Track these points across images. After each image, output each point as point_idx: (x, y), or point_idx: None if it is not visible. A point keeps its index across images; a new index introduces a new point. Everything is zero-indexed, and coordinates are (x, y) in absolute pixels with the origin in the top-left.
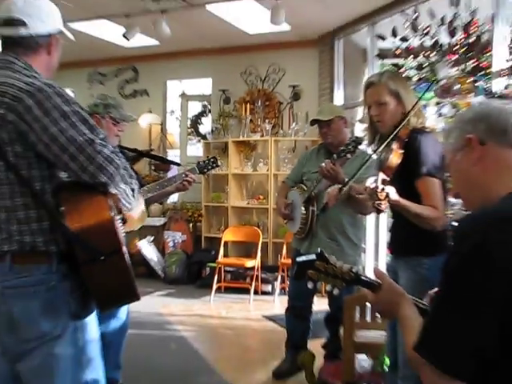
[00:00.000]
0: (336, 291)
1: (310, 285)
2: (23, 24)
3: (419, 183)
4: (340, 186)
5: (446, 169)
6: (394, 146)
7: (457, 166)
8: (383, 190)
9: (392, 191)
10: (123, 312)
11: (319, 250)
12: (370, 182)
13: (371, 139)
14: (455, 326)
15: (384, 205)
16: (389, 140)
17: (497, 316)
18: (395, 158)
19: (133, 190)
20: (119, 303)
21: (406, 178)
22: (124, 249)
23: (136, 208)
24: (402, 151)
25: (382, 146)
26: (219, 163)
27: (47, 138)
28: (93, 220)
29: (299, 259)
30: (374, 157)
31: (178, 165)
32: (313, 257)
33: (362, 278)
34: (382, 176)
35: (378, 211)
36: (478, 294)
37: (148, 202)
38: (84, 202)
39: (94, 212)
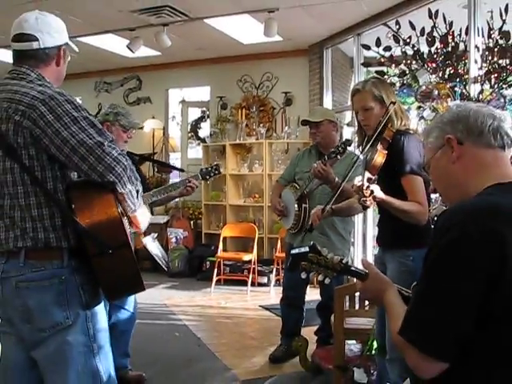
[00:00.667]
0: (327, 280)
1: (303, 275)
2: (35, 39)
3: (404, 181)
4: (322, 207)
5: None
6: (379, 146)
7: (436, 164)
8: (368, 187)
9: (377, 189)
10: (132, 305)
11: (312, 242)
12: (357, 181)
13: (360, 141)
14: (437, 311)
15: (369, 201)
16: (372, 140)
17: (475, 302)
18: (380, 157)
19: (137, 192)
20: (126, 293)
21: (392, 176)
22: (130, 243)
23: (140, 209)
24: (386, 151)
25: (368, 146)
26: (221, 170)
27: (59, 141)
28: (102, 216)
29: (293, 251)
30: (361, 157)
31: (181, 171)
32: (306, 249)
33: (351, 268)
34: (367, 175)
35: (364, 207)
36: (458, 282)
37: (153, 205)
38: (94, 199)
39: (103, 209)
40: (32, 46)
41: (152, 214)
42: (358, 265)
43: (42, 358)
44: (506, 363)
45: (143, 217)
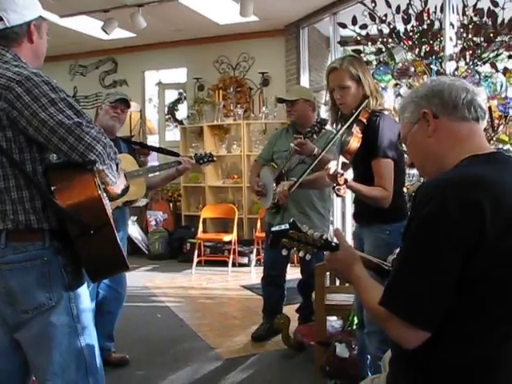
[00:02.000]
0: (308, 257)
1: (284, 252)
2: (0, 19)
3: (374, 163)
4: (290, 184)
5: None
6: (355, 129)
7: (413, 138)
8: (342, 175)
9: (349, 177)
10: (122, 286)
11: (292, 219)
12: (332, 165)
13: (334, 119)
14: (419, 281)
15: (343, 189)
16: (349, 123)
17: (456, 271)
18: (355, 142)
19: (117, 165)
20: (110, 273)
21: (365, 158)
22: (112, 222)
23: (119, 181)
24: (361, 135)
25: (345, 127)
26: (215, 159)
27: (37, 123)
28: (82, 197)
29: (274, 229)
30: (338, 136)
31: (177, 155)
32: (286, 226)
33: (332, 243)
34: (341, 159)
35: (338, 195)
36: (438, 252)
37: (152, 186)
38: (73, 180)
39: (83, 189)
40: None
41: (146, 196)
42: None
43: (25, 339)
44: (486, 329)
45: (120, 186)
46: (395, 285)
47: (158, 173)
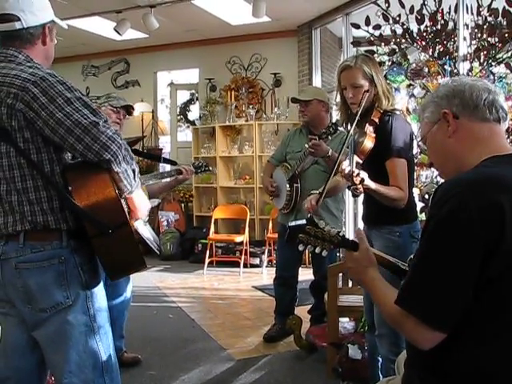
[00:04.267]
0: (325, 253)
1: (300, 247)
2: (17, 19)
3: (388, 164)
4: (317, 198)
5: (416, 147)
6: (368, 129)
7: (433, 138)
8: (358, 174)
9: (366, 176)
10: (126, 289)
11: (309, 215)
12: (345, 166)
13: (344, 119)
14: (437, 281)
15: (359, 190)
16: (358, 120)
17: (474, 272)
18: (369, 142)
19: (134, 171)
20: (128, 272)
21: (377, 158)
22: (130, 222)
23: (137, 190)
24: (375, 135)
25: (354, 126)
26: (211, 169)
27: (54, 123)
28: (99, 196)
29: (291, 224)
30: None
31: (174, 163)
32: (303, 221)
33: (349, 241)
34: (356, 159)
35: (354, 195)
36: (457, 252)
37: (152, 194)
38: (90, 180)
39: (100, 189)
40: (15, 26)
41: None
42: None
43: (43, 338)
44: (502, 332)
45: (141, 199)
46: (412, 284)
47: (156, 181)
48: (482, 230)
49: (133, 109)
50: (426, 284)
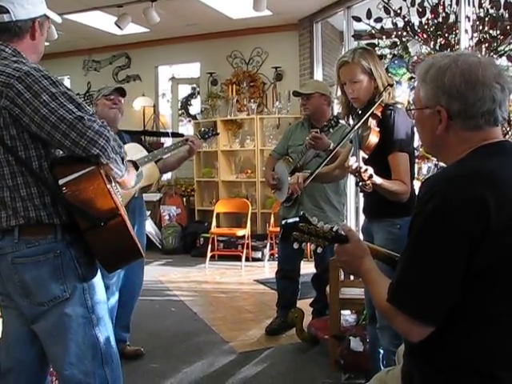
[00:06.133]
0: (319, 250)
1: (295, 245)
2: (6, 11)
3: (391, 158)
4: (305, 177)
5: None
6: (372, 124)
7: (421, 120)
8: (366, 170)
9: (372, 171)
10: (138, 276)
11: (302, 212)
12: (352, 162)
13: (345, 113)
14: (424, 276)
15: (369, 185)
16: (363, 115)
17: (461, 266)
18: (374, 136)
19: (122, 158)
20: (124, 263)
21: (379, 152)
22: (122, 212)
23: (128, 174)
24: (379, 129)
25: (361, 122)
26: (218, 131)
27: (39, 119)
28: (89, 189)
29: (284, 222)
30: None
31: (182, 135)
32: (296, 219)
33: (342, 235)
34: (362, 154)
35: (364, 191)
36: (443, 248)
37: (166, 169)
38: (79, 173)
39: (89, 182)
40: (3, 18)
41: (159, 190)
42: None
43: (42, 331)
44: (492, 322)
45: (129, 176)
46: (400, 281)
47: (168, 154)
48: (465, 224)
49: (123, 90)
50: (412, 281)
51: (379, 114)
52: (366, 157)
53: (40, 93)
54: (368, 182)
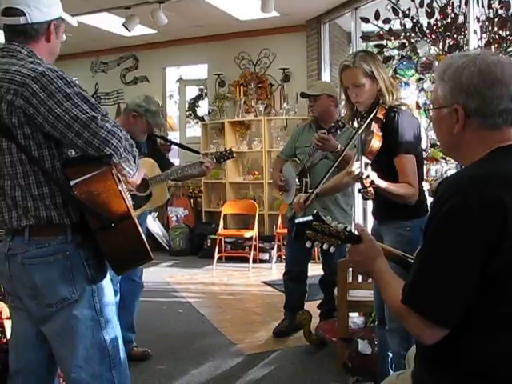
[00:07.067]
0: (332, 249)
1: (308, 244)
2: (22, 14)
3: (397, 161)
4: (306, 197)
5: (425, 141)
6: (374, 128)
7: (439, 120)
8: (368, 177)
9: (375, 176)
10: (139, 274)
11: (315, 211)
12: (355, 168)
13: (349, 116)
14: (440, 278)
15: (370, 192)
16: (366, 119)
17: (477, 268)
18: (376, 141)
19: (134, 157)
20: (134, 265)
21: (385, 155)
22: (133, 214)
23: (138, 173)
24: (382, 133)
25: (363, 128)
26: (234, 155)
27: (53, 119)
28: (100, 190)
29: (297, 220)
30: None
31: (197, 153)
32: (310, 218)
33: (355, 235)
34: (364, 160)
35: (365, 199)
36: (459, 249)
37: (173, 179)
38: (91, 174)
39: (101, 182)
40: (19, 20)
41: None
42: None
43: (50, 332)
44: (507, 326)
45: (139, 176)
46: (415, 282)
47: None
48: (483, 226)
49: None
50: (428, 282)
51: (382, 117)
52: (369, 162)
53: (55, 93)
54: (370, 188)
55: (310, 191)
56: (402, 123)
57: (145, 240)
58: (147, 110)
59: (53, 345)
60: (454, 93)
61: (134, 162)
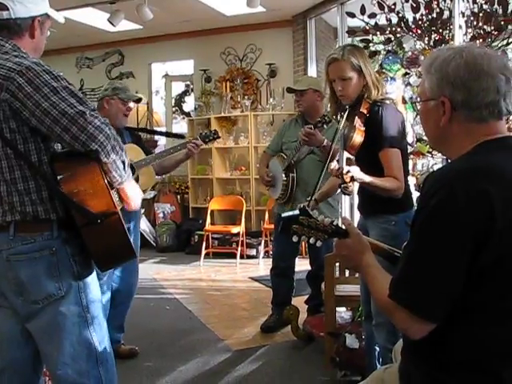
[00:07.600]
0: (319, 243)
1: (294, 238)
2: (5, 8)
3: (382, 154)
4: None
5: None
6: (357, 122)
7: (427, 114)
8: (348, 172)
9: (356, 171)
10: (133, 277)
11: (302, 205)
12: (334, 164)
13: (334, 109)
14: (426, 272)
15: (350, 187)
16: (348, 113)
17: (464, 262)
18: (358, 136)
19: (123, 162)
20: (118, 262)
21: (369, 149)
22: (119, 211)
23: (128, 181)
24: (364, 128)
25: (343, 120)
26: (220, 135)
27: (40, 113)
28: (88, 186)
29: (284, 215)
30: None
31: (182, 137)
32: (296, 212)
33: (342, 229)
34: (345, 155)
35: (345, 194)
36: (446, 243)
37: (162, 172)
38: (78, 170)
39: (89, 179)
40: (2, 15)
41: (154, 189)
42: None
43: (36, 329)
44: (498, 321)
45: (133, 191)
46: (402, 277)
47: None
48: (470, 220)
49: (141, 100)
50: (415, 276)
51: (365, 112)
52: (352, 157)
53: (41, 87)
54: (350, 184)
55: (308, 199)
56: (387, 117)
57: (129, 237)
58: (114, 88)
59: (38, 342)
60: (440, 85)
61: (124, 168)
